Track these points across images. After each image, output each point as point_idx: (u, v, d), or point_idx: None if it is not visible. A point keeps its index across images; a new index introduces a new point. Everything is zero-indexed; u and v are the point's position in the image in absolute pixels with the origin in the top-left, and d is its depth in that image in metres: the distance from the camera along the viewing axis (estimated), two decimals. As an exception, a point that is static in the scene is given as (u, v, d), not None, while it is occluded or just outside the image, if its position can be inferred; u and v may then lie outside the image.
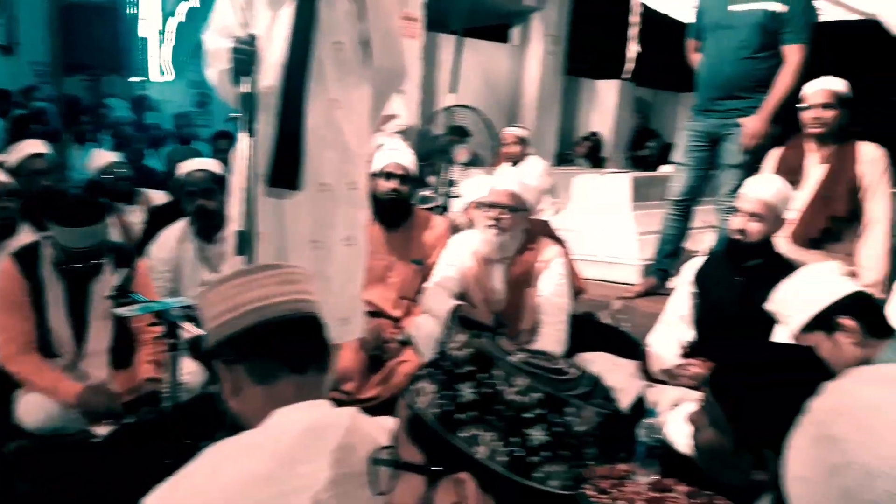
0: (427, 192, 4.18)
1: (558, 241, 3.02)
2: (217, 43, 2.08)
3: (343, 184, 2.12)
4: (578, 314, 3.37)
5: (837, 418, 0.50)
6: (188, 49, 8.05)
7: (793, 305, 1.77)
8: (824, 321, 1.73)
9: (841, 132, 3.09)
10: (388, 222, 3.00)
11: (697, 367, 2.48)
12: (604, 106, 7.80)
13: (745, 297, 2.44)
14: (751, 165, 3.20)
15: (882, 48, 4.28)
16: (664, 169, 4.99)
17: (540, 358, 0.78)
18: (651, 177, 4.54)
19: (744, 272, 2.56)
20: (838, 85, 3.06)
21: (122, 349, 2.47)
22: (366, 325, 2.55)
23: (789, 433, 0.60)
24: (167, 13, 8.62)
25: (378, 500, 0.83)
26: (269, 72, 2.06)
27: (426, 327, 2.78)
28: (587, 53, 7.61)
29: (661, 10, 5.38)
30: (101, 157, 3.73)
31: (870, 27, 3.73)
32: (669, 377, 2.61)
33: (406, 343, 2.80)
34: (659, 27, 5.09)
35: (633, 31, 5.49)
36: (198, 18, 7.69)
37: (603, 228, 4.04)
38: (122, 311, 2.04)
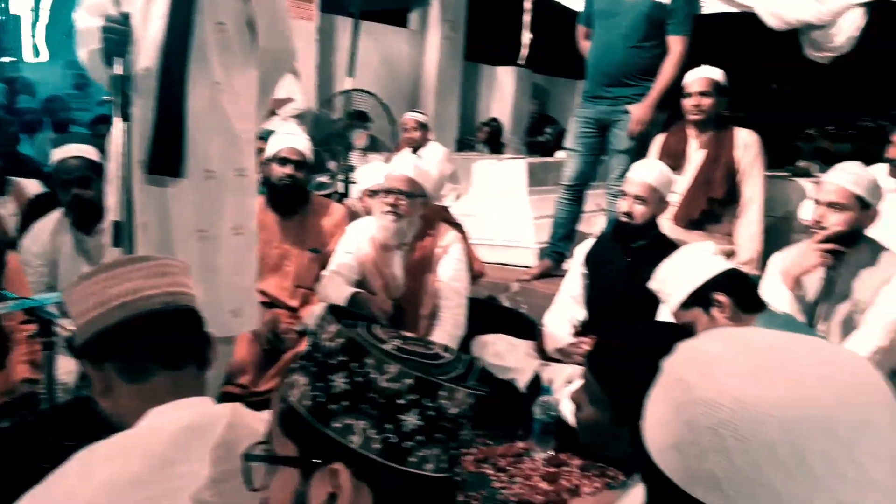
0: (324, 179, 4.11)
1: (456, 226, 3.04)
2: (87, 21, 1.95)
3: (230, 170, 2.05)
4: (481, 298, 3.44)
5: (684, 365, 0.56)
6: (64, 28, 7.52)
7: (672, 284, 1.86)
8: (701, 298, 1.83)
9: (719, 119, 3.28)
10: (283, 209, 2.93)
11: (588, 346, 2.57)
12: (503, 92, 7.91)
13: (632, 277, 2.55)
14: (638, 151, 3.33)
15: (758, 39, 4.55)
16: (560, 154, 5.13)
17: (414, 344, 0.78)
18: (546, 162, 4.65)
19: (630, 253, 2.67)
20: (715, 74, 3.24)
21: (-7, 350, 2.31)
22: (260, 316, 2.48)
23: None
24: (41, -12, 8.04)
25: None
26: (147, 53, 1.95)
27: (324, 316, 2.73)
28: (485, 40, 7.69)
29: (554, -3, 5.49)
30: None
31: (748, 19, 3.95)
32: (563, 355, 2.70)
33: (304, 333, 2.75)
34: (556, 14, 5.19)
35: (527, 18, 5.58)
36: (75, -6, 7.18)
37: (501, 213, 4.11)
38: (-10, 309, 1.90)
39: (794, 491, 0.48)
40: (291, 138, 2.96)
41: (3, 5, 7.69)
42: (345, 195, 4.10)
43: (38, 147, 5.14)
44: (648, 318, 2.27)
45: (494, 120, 7.61)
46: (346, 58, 5.40)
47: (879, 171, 2.69)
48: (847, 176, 2.18)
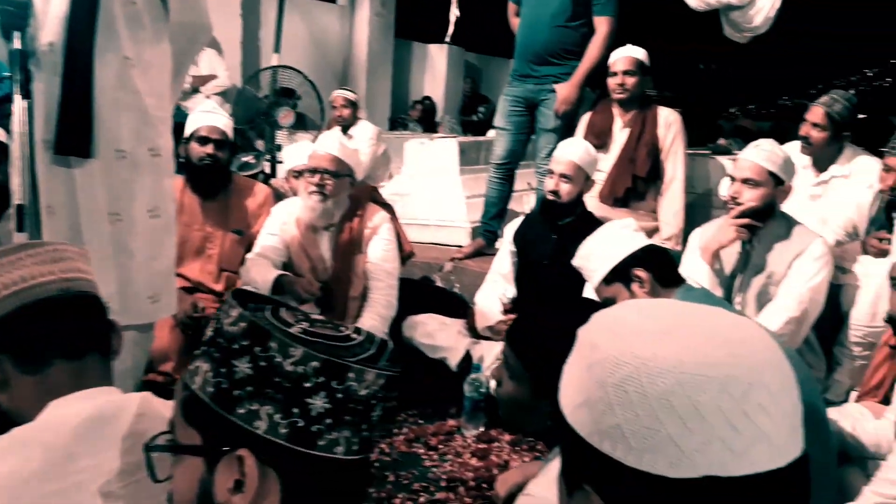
0: (249, 158, 4.00)
1: (386, 206, 3.02)
2: (-18, -7, 1.82)
3: (143, 150, 1.95)
4: (414, 278, 3.43)
5: (594, 330, 0.60)
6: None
7: (593, 260, 1.89)
8: (621, 274, 1.87)
9: (643, 98, 3.34)
10: (204, 190, 2.84)
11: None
12: (435, 71, 7.86)
13: (559, 254, 2.59)
14: (565, 130, 3.37)
15: (687, 21, 4.63)
16: (490, 133, 5.15)
17: (322, 326, 0.76)
18: (478, 141, 4.66)
19: (557, 230, 2.71)
20: (638, 53, 3.29)
21: None
22: (180, 301, 2.40)
23: None
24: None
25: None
26: (51, 27, 1.83)
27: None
28: (417, 16, 7.61)
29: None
30: None
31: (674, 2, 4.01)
32: (493, 333, 2.73)
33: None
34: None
35: (456, -5, 5.54)
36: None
37: (433, 192, 4.11)
38: None
39: (690, 440, 0.52)
40: (211, 116, 2.85)
41: None
42: (271, 175, 4.01)
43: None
44: (576, 294, 2.31)
45: (428, 98, 7.57)
46: (272, 33, 5.26)
47: (793, 148, 2.80)
48: (761, 153, 2.26)
